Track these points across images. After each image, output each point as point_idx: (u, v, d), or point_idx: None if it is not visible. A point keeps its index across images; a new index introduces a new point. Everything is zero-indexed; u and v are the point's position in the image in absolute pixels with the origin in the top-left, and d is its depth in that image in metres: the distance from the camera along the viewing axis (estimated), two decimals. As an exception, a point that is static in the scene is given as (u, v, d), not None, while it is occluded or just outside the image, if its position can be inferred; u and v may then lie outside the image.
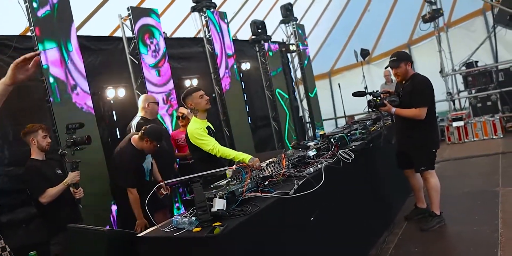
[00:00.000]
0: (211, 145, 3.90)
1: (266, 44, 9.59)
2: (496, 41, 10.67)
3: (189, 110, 4.22)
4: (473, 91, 10.84)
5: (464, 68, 10.82)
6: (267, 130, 9.51)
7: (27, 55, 1.94)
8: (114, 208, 5.17)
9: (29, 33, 4.93)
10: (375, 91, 4.57)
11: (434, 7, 10.33)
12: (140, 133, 4.32)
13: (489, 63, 10.77)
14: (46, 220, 3.90)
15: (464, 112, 10.22)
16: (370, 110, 4.66)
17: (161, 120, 5.90)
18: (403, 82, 4.59)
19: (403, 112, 4.46)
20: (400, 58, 4.49)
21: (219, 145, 3.92)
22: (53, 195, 3.76)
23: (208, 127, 4.12)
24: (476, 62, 10.75)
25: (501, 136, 9.25)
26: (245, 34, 10.52)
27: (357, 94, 4.69)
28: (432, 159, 4.60)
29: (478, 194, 5.35)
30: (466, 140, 9.53)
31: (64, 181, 3.82)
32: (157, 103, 5.26)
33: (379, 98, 4.48)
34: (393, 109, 4.45)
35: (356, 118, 7.11)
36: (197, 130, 3.97)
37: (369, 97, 4.55)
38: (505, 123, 9.87)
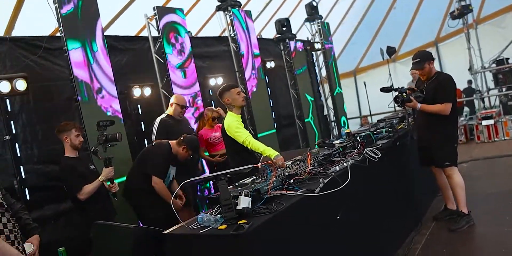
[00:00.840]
0: (244, 136, 3.97)
1: (291, 43, 9.54)
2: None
3: (225, 106, 4.27)
4: (503, 89, 10.58)
5: (494, 65, 10.56)
6: (291, 129, 9.47)
7: None
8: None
9: (58, 34, 5.02)
10: (400, 87, 4.62)
11: (463, 3, 10.10)
12: (179, 139, 4.47)
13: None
14: (83, 214, 3.98)
15: (494, 110, 9.97)
16: (396, 105, 4.73)
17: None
18: (426, 80, 4.65)
19: (429, 107, 4.50)
20: (423, 58, 4.55)
21: (251, 138, 3.99)
22: (90, 191, 3.87)
23: (243, 122, 4.24)
24: (507, 59, 10.49)
25: (533, 134, 9.00)
26: (270, 33, 10.51)
27: (384, 89, 4.75)
28: (456, 155, 4.61)
29: (508, 195, 5.19)
30: (496, 139, 9.29)
31: (99, 177, 3.93)
32: (181, 106, 5.25)
33: (405, 94, 4.50)
34: (419, 105, 4.50)
35: (382, 116, 7.02)
36: (235, 122, 4.06)
37: (395, 93, 4.58)
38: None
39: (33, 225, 3.18)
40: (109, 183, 4.10)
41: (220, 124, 5.79)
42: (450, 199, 4.81)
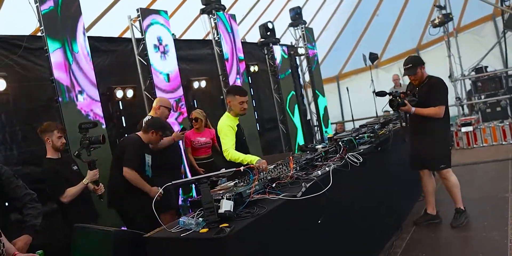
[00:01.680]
0: (226, 146, 3.97)
1: (274, 47, 9.57)
2: (506, 46, 10.61)
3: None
4: (482, 96, 10.76)
5: (473, 73, 10.75)
6: (274, 133, 9.48)
7: None
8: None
9: (39, 33, 4.95)
10: (394, 91, 4.71)
11: (443, 12, 10.28)
12: (143, 127, 4.47)
13: (498, 68, 10.70)
14: (64, 217, 3.93)
15: (473, 117, 10.14)
16: (392, 109, 4.79)
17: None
18: (418, 84, 4.72)
19: (423, 111, 4.57)
20: (415, 64, 4.62)
21: (232, 150, 3.96)
22: (73, 194, 3.82)
23: (239, 125, 4.24)
24: (486, 67, 10.68)
25: (511, 141, 9.16)
26: (253, 37, 10.53)
27: (379, 94, 4.87)
28: (450, 157, 4.71)
29: (487, 200, 5.29)
30: (475, 146, 9.44)
31: (83, 180, 3.88)
32: (169, 109, 5.22)
33: (399, 98, 4.57)
34: (413, 109, 4.57)
35: (364, 122, 7.08)
36: (227, 127, 4.05)
37: (390, 97, 4.65)
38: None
39: (28, 223, 3.14)
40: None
41: (210, 130, 5.82)
42: (431, 205, 4.88)
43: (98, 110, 5.17)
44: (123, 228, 4.57)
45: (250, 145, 7.80)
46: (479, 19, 12.72)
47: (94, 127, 4.12)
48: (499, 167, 7.14)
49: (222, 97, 7.78)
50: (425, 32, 12.84)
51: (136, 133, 4.55)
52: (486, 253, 3.81)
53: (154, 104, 5.23)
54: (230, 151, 3.94)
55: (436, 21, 10.36)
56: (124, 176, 4.22)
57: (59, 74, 4.83)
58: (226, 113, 4.22)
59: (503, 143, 9.22)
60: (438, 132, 4.64)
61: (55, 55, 4.83)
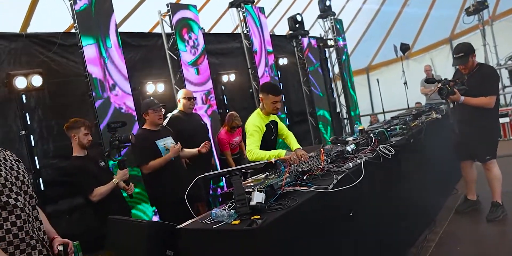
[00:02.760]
0: (251, 147, 3.92)
1: (304, 39, 9.50)
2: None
3: None
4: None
5: (510, 62, 10.41)
6: (304, 126, 9.44)
7: None
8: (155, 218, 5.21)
9: (73, 30, 5.06)
10: (443, 79, 4.56)
11: (478, -1, 9.98)
12: (142, 115, 4.43)
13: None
14: (97, 211, 3.91)
15: (510, 108, 9.83)
16: (440, 97, 4.65)
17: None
18: (468, 72, 4.55)
19: (473, 100, 4.41)
20: (467, 52, 4.44)
21: (256, 149, 3.92)
22: (102, 193, 3.77)
23: (269, 124, 4.18)
24: (524, 55, 10.34)
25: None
26: (282, 29, 10.48)
27: (429, 81, 4.82)
28: (496, 148, 4.60)
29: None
30: (511, 138, 9.18)
31: (113, 180, 3.84)
32: (189, 99, 5.20)
33: (448, 86, 4.44)
34: (462, 98, 4.42)
35: (395, 114, 6.99)
36: (254, 127, 4.00)
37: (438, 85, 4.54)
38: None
39: None
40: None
41: (239, 129, 5.92)
42: (472, 191, 4.87)
43: (130, 103, 5.26)
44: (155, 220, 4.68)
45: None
46: (515, 6, 12.32)
47: (123, 126, 4.07)
48: (536, 160, 6.91)
49: (251, 90, 7.80)
50: (459, 21, 12.51)
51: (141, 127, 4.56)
52: (524, 248, 3.72)
53: (177, 97, 5.35)
54: (254, 151, 3.90)
55: (471, 9, 10.07)
56: (146, 174, 4.28)
57: (93, 69, 4.94)
58: (258, 110, 4.15)
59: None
60: (486, 123, 4.49)
61: (89, 51, 4.95)
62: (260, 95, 4.13)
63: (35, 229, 2.09)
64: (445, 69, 10.84)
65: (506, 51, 10.59)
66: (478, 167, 4.85)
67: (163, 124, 4.73)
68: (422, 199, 4.60)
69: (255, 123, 4.03)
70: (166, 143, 4.43)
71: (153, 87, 6.00)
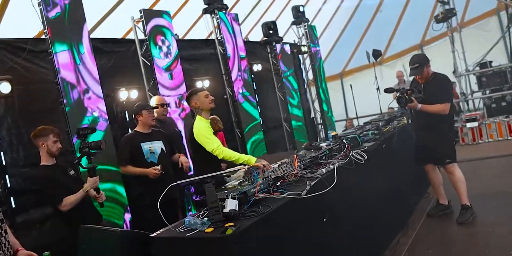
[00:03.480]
0: (215, 145, 3.90)
1: (277, 46, 9.57)
2: (511, 40, 10.55)
3: (193, 110, 4.22)
4: (487, 91, 10.72)
5: (478, 68, 10.70)
6: (278, 132, 9.48)
7: None
8: (127, 216, 5.19)
9: (43, 36, 4.98)
10: (401, 88, 4.78)
11: (447, 7, 10.23)
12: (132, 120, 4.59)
13: (503, 63, 10.65)
14: (67, 221, 3.78)
15: (478, 112, 10.10)
16: (399, 106, 4.88)
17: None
18: (424, 81, 4.76)
19: (429, 108, 4.63)
20: (422, 63, 4.67)
21: (223, 147, 3.92)
22: (72, 202, 3.66)
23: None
24: (490, 62, 10.64)
25: (517, 137, 9.14)
26: (256, 36, 10.53)
27: (387, 90, 4.96)
28: (455, 152, 4.79)
29: (493, 196, 5.28)
30: (480, 141, 9.41)
31: (83, 188, 3.73)
32: (163, 105, 5.21)
33: (406, 94, 4.63)
34: (419, 105, 4.63)
35: (368, 119, 7.10)
36: (206, 128, 4.00)
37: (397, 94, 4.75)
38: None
39: None
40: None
41: (220, 133, 5.86)
42: (442, 195, 5.00)
43: (103, 107, 5.23)
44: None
45: (254, 144, 7.90)
46: (483, 14, 12.67)
47: (92, 133, 4.02)
48: (504, 163, 7.11)
49: (225, 96, 7.80)
50: (429, 28, 12.80)
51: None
52: (492, 249, 3.81)
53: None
54: (222, 149, 3.88)
55: (440, 17, 10.31)
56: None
57: (66, 74, 4.88)
58: (198, 117, 4.10)
59: (509, 138, 9.18)
60: (443, 128, 4.70)
61: (62, 57, 4.91)
62: (192, 102, 4.09)
63: (5, 243, 2.03)
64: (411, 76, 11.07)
65: (473, 57, 10.89)
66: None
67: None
68: (395, 203, 4.67)
69: (204, 124, 4.02)
70: (154, 146, 4.46)
71: (126, 94, 5.94)
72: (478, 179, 6.27)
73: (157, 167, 4.30)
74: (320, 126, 11.43)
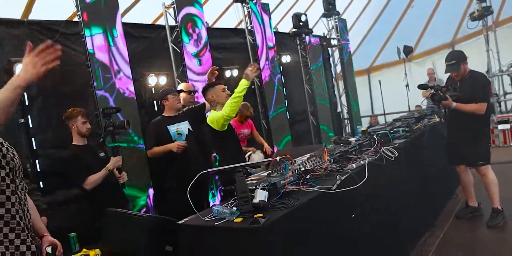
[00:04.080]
0: (222, 111, 3.88)
1: (307, 38, 9.44)
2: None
3: (209, 103, 4.20)
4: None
5: (512, 69, 10.41)
6: (305, 125, 9.39)
7: (42, 47, 1.84)
8: (151, 192, 5.22)
9: (75, 19, 4.99)
10: (436, 85, 4.64)
11: (483, 4, 9.93)
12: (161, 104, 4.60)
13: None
14: (91, 202, 3.92)
15: (510, 114, 9.82)
16: (433, 103, 4.79)
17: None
18: (460, 79, 4.63)
19: (465, 107, 4.49)
20: (459, 60, 4.52)
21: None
22: (95, 181, 3.78)
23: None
24: (525, 63, 10.33)
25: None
26: (286, 27, 10.41)
27: (421, 86, 4.95)
28: (489, 153, 4.64)
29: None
30: (511, 144, 9.18)
31: (106, 167, 3.83)
32: (190, 92, 5.22)
33: (441, 92, 4.49)
34: (454, 104, 4.49)
35: (395, 116, 6.96)
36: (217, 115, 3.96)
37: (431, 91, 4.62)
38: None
39: (42, 207, 3.16)
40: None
41: (251, 122, 5.86)
42: (472, 197, 4.86)
43: (132, 88, 5.32)
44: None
45: (280, 136, 7.84)
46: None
47: (117, 112, 4.15)
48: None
49: (253, 86, 7.73)
50: (461, 26, 12.49)
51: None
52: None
53: None
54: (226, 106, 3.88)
55: (476, 14, 10.04)
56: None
57: (100, 55, 4.98)
58: (212, 111, 4.08)
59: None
60: (478, 128, 4.57)
61: (97, 39, 5.01)
62: (208, 95, 4.09)
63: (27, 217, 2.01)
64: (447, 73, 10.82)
65: (508, 57, 10.58)
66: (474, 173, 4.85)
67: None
68: (424, 202, 4.57)
69: (214, 114, 4.00)
70: (180, 127, 4.49)
71: (155, 80, 5.93)
72: (509, 182, 6.08)
73: (181, 142, 4.32)
74: (346, 120, 11.30)
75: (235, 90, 3.87)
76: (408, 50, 9.83)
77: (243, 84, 3.87)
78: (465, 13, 12.01)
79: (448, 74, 4.76)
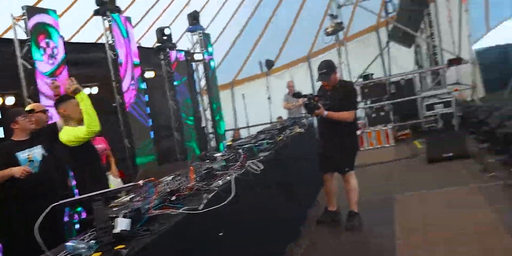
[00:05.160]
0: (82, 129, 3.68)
1: (171, 52, 9.36)
2: (389, 55, 11.43)
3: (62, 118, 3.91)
4: (368, 102, 11.46)
5: (361, 80, 11.40)
6: (169, 141, 9.24)
7: None
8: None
9: None
10: (309, 94, 4.82)
11: (335, 21, 10.80)
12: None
13: (383, 75, 11.52)
14: None
15: (360, 122, 10.72)
16: (306, 112, 4.96)
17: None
18: (331, 88, 4.80)
19: (335, 115, 4.65)
20: (329, 70, 4.71)
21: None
22: None
23: None
24: (372, 74, 11.40)
25: (393, 144, 9.88)
26: (149, 42, 10.21)
27: (296, 95, 5.06)
28: (354, 160, 4.91)
29: (375, 201, 5.56)
30: (361, 149, 9.96)
31: None
32: (45, 111, 4.66)
33: (313, 101, 4.64)
34: (325, 112, 4.63)
35: (260, 128, 7.17)
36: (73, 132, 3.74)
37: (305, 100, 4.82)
38: (396, 132, 10.59)
39: None
40: None
41: (100, 137, 5.45)
42: (333, 203, 5.06)
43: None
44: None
45: (144, 153, 7.60)
46: (364, 29, 13.64)
47: None
48: (384, 169, 7.60)
49: (114, 104, 7.41)
50: (316, 41, 13.45)
51: None
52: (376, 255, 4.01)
53: None
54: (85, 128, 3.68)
55: (329, 30, 10.85)
56: None
57: None
58: (65, 128, 3.82)
59: (386, 145, 9.91)
60: (346, 136, 4.77)
61: None
62: (60, 109, 3.84)
63: None
64: (304, 86, 11.58)
65: (357, 69, 11.64)
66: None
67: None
68: (288, 212, 4.72)
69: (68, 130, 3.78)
70: (32, 153, 3.93)
71: (1, 100, 5.33)
72: (362, 185, 6.57)
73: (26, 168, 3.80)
74: (211, 135, 11.35)
75: (85, 104, 3.66)
76: (270, 64, 10.28)
77: (80, 97, 3.66)
78: (320, 29, 12.95)
79: (319, 83, 4.98)
